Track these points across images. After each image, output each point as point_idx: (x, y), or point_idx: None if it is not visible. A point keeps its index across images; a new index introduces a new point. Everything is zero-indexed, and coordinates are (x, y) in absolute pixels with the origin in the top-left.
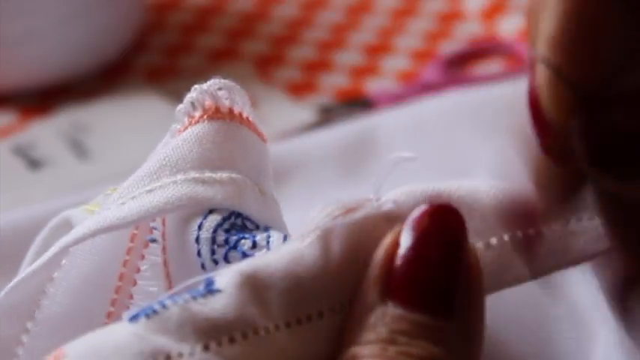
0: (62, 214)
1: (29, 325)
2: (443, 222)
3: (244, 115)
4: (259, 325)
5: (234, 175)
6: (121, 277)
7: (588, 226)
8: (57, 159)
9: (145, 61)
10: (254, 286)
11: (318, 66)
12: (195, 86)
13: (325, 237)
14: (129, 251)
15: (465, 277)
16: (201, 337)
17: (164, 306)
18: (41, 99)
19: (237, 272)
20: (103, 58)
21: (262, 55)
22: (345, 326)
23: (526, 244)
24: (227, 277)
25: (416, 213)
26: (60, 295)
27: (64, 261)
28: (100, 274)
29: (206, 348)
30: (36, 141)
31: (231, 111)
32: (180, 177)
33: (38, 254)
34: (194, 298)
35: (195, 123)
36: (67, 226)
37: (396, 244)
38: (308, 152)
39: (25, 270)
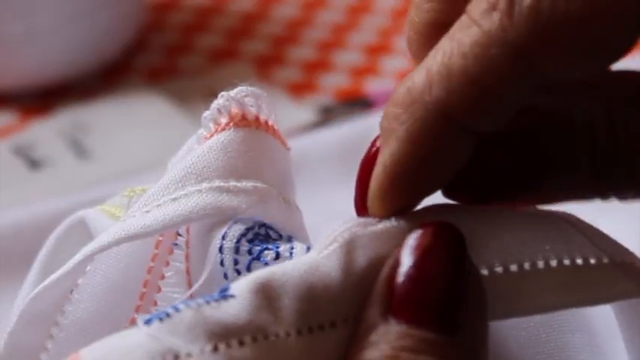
0: (77, 213)
1: (54, 331)
2: (443, 240)
3: (270, 122)
4: (270, 330)
5: (258, 185)
6: (145, 284)
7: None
8: (57, 159)
9: (145, 61)
10: (267, 292)
11: (318, 66)
12: (223, 93)
13: (345, 249)
14: (154, 258)
15: (466, 293)
16: (211, 338)
17: (177, 310)
18: (41, 99)
19: (252, 279)
20: (103, 58)
21: (262, 55)
22: (350, 344)
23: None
24: (242, 283)
25: (417, 231)
26: (84, 301)
27: (88, 267)
28: (124, 281)
29: (215, 349)
30: (36, 141)
31: (257, 118)
32: (205, 185)
33: (52, 253)
34: (207, 302)
35: (221, 130)
36: (81, 225)
37: (397, 262)
38: (308, 152)
39: (36, 269)
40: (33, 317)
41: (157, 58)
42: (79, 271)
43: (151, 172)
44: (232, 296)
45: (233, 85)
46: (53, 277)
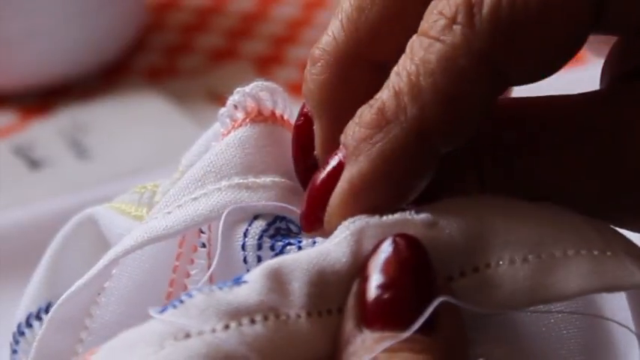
0: (86, 210)
1: (83, 335)
2: (406, 250)
3: (285, 117)
4: (281, 311)
5: (277, 179)
6: (171, 283)
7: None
8: (57, 159)
9: (145, 61)
10: (279, 277)
11: None
12: (238, 89)
13: (355, 237)
14: (178, 257)
15: (436, 294)
16: (222, 317)
17: (190, 296)
18: (41, 99)
19: (264, 266)
20: (103, 58)
21: (262, 55)
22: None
23: None
24: (255, 271)
25: (381, 246)
26: (112, 304)
27: (114, 270)
28: (150, 281)
29: (226, 327)
30: (36, 141)
31: (273, 113)
32: (224, 183)
33: (60, 250)
34: (220, 288)
35: (238, 126)
36: (90, 222)
37: (365, 277)
38: None
39: (45, 266)
40: (61, 323)
41: (157, 58)
42: (105, 275)
43: (151, 172)
44: (245, 282)
45: (233, 85)
46: (80, 282)
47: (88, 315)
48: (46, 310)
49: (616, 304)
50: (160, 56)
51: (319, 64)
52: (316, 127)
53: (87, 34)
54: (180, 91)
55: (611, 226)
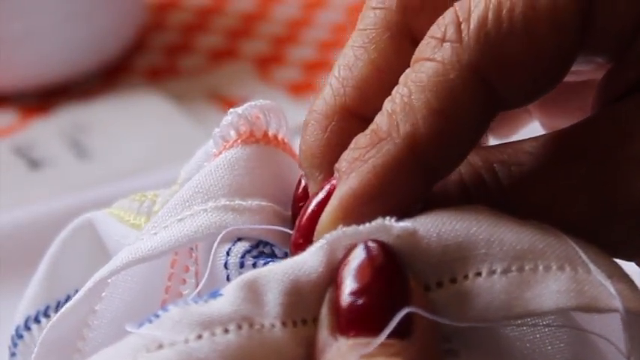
0: (84, 215)
1: (76, 356)
2: (377, 257)
3: (279, 137)
4: (255, 320)
5: (263, 203)
6: (163, 303)
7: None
8: (57, 159)
9: (145, 61)
10: (254, 288)
11: (318, 66)
12: (231, 110)
13: (331, 246)
14: (170, 277)
15: (409, 299)
16: (195, 328)
17: (166, 310)
18: (41, 99)
19: (240, 278)
20: (103, 58)
21: (262, 55)
22: None
23: None
24: (231, 283)
25: (352, 254)
26: (105, 326)
27: (104, 293)
28: (143, 302)
29: (199, 337)
30: (36, 141)
31: (265, 134)
32: (211, 204)
33: (59, 254)
34: (196, 302)
35: (229, 147)
36: (89, 227)
37: (338, 285)
38: None
39: (43, 270)
40: (53, 345)
41: (157, 58)
42: (94, 296)
43: (151, 172)
44: (221, 295)
45: (233, 85)
46: (68, 305)
47: (81, 337)
48: (45, 314)
49: (603, 320)
50: (160, 56)
51: (310, 125)
52: (310, 187)
53: (87, 34)
54: (180, 91)
55: (596, 247)
